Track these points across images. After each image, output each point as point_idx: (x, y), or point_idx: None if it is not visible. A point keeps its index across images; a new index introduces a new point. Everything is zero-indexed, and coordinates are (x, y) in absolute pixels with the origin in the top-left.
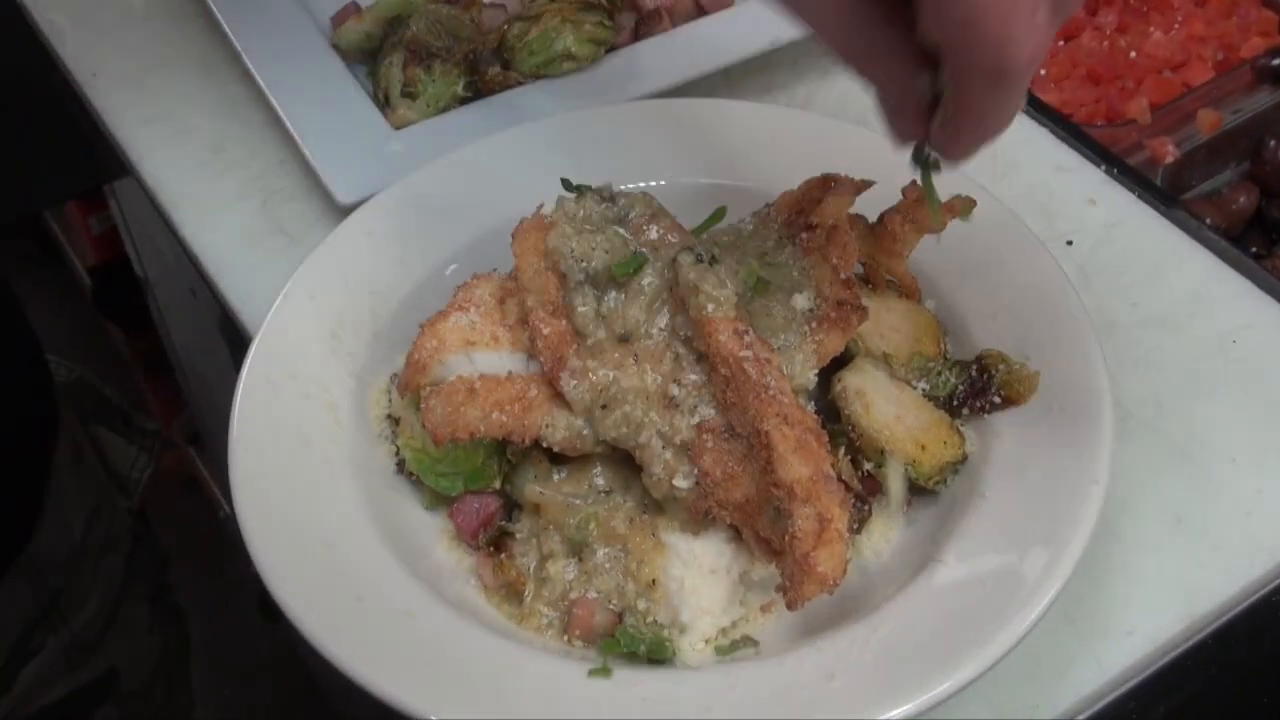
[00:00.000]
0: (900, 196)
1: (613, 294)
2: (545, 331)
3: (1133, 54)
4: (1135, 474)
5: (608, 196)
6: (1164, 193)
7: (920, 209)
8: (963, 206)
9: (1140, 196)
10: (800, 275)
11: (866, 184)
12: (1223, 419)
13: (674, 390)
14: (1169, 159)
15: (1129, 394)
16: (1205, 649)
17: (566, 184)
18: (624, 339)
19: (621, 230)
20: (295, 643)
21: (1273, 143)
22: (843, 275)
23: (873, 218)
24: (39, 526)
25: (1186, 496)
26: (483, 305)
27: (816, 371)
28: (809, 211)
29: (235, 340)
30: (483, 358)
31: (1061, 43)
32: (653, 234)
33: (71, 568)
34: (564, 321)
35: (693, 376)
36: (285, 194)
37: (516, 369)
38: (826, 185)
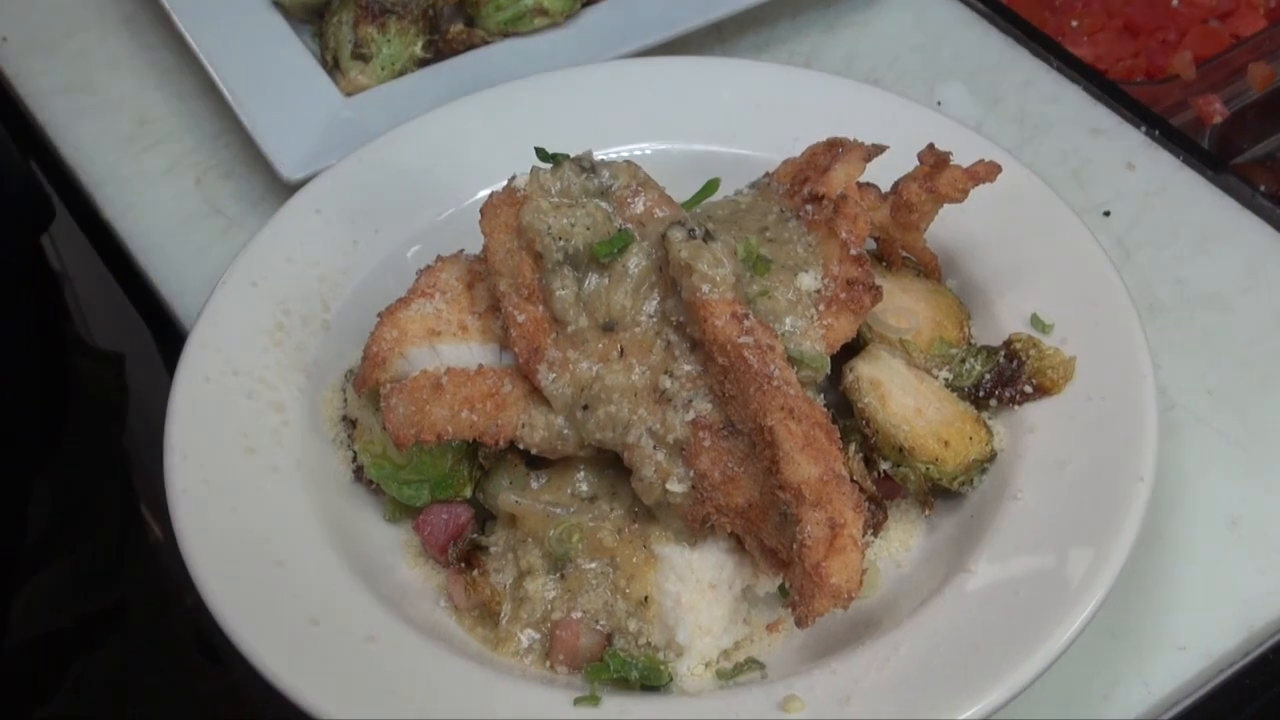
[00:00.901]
0: (916, 163)
1: (594, 277)
2: (520, 319)
3: (1175, 1)
4: (1184, 470)
5: (588, 166)
6: (1211, 156)
7: (940, 175)
8: (987, 171)
9: (1185, 161)
10: (805, 252)
11: (878, 149)
12: None
13: (665, 383)
14: (1216, 119)
15: (1176, 380)
16: (1266, 665)
17: (541, 153)
18: (608, 328)
19: (604, 204)
20: (241, 684)
21: None
22: (853, 251)
23: (886, 187)
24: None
25: (1242, 495)
26: (448, 291)
27: (828, 360)
28: (814, 181)
29: (169, 336)
30: (449, 350)
31: None
32: (639, 207)
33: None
34: (540, 307)
35: (686, 367)
36: (222, 170)
37: (488, 362)
38: (833, 151)
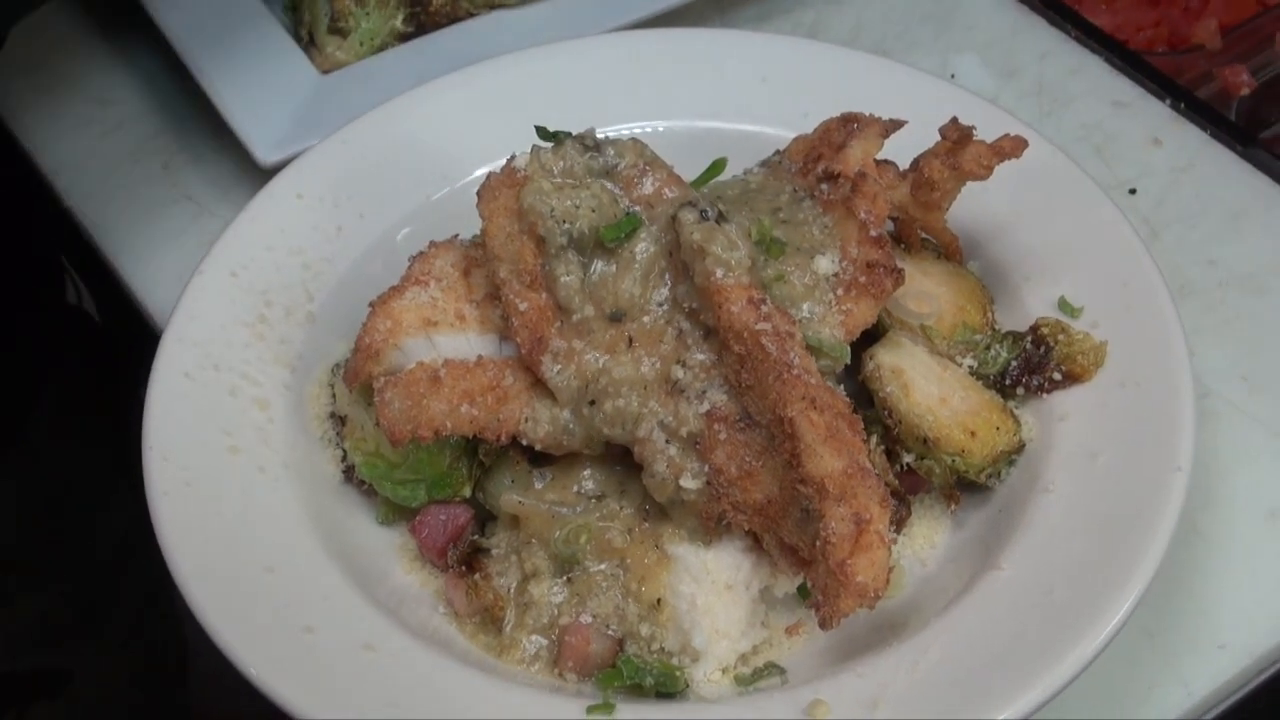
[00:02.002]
0: (934, 139)
1: (600, 263)
2: (522, 307)
3: None
4: (1221, 462)
5: (591, 145)
6: (1240, 130)
7: (963, 151)
8: (1013, 146)
9: (1213, 135)
10: (822, 234)
11: (896, 124)
12: None
13: (678, 373)
14: (1244, 91)
15: (1209, 367)
16: None
17: (542, 131)
18: (615, 318)
19: (609, 184)
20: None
21: None
22: (873, 232)
23: (903, 165)
24: None
25: None
26: (444, 278)
27: (848, 348)
28: (829, 158)
29: (141, 333)
30: (446, 341)
31: None
32: (647, 188)
33: None
34: (543, 294)
35: (699, 356)
36: (191, 154)
37: (487, 353)
38: (849, 127)
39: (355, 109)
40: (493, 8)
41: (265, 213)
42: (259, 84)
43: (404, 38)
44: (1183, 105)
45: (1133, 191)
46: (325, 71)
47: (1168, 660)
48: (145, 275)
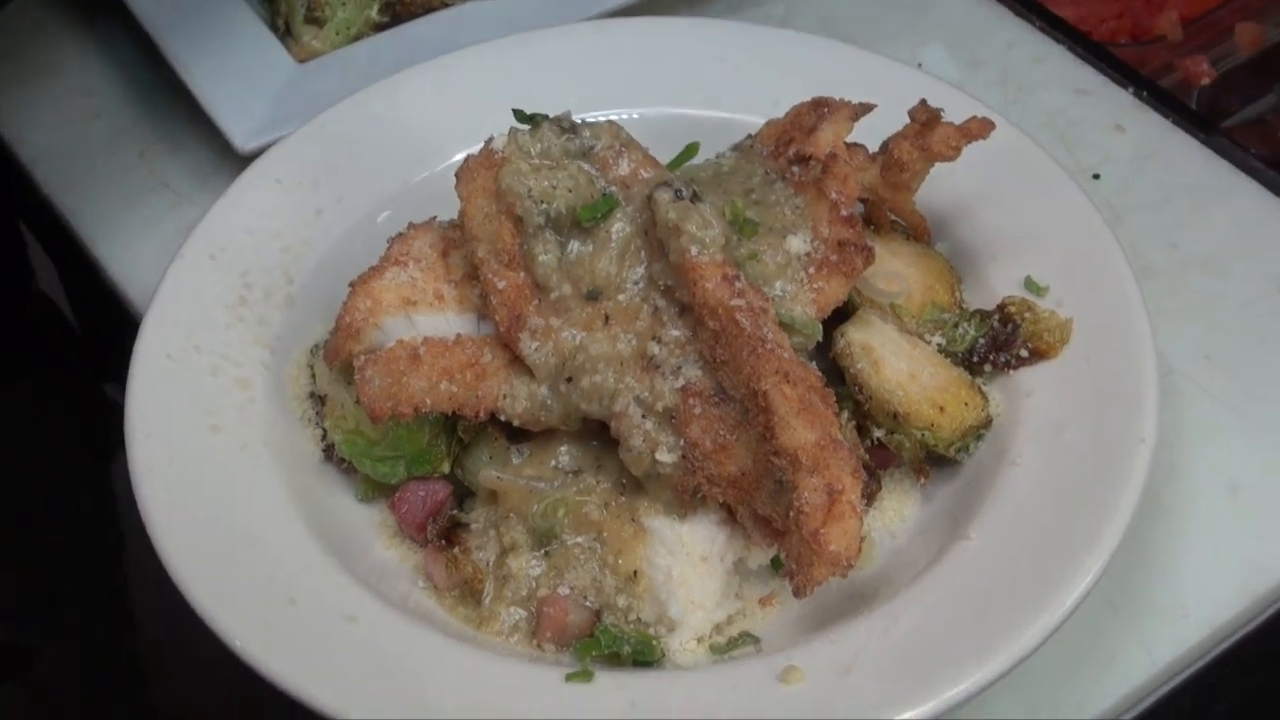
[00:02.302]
0: (901, 125)
1: (577, 243)
2: (500, 285)
3: None
4: (1183, 437)
5: (568, 127)
6: (1201, 118)
7: (932, 132)
8: (979, 128)
9: (1175, 123)
10: (793, 214)
11: (866, 107)
12: None
13: (653, 349)
14: (1204, 80)
15: (1172, 347)
16: (1270, 634)
17: (519, 114)
18: (592, 296)
19: (586, 165)
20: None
21: None
22: (843, 212)
23: (870, 150)
24: None
25: (1242, 461)
26: (423, 259)
27: (820, 325)
28: (800, 141)
29: (121, 321)
30: (425, 320)
31: None
32: (623, 169)
33: None
34: (521, 273)
35: (675, 332)
36: (169, 143)
37: (466, 332)
38: (819, 111)
39: (332, 97)
40: None
41: (244, 197)
42: (236, 73)
43: (379, 27)
44: (1145, 94)
45: (1096, 177)
46: (302, 61)
47: (1132, 628)
48: (125, 262)
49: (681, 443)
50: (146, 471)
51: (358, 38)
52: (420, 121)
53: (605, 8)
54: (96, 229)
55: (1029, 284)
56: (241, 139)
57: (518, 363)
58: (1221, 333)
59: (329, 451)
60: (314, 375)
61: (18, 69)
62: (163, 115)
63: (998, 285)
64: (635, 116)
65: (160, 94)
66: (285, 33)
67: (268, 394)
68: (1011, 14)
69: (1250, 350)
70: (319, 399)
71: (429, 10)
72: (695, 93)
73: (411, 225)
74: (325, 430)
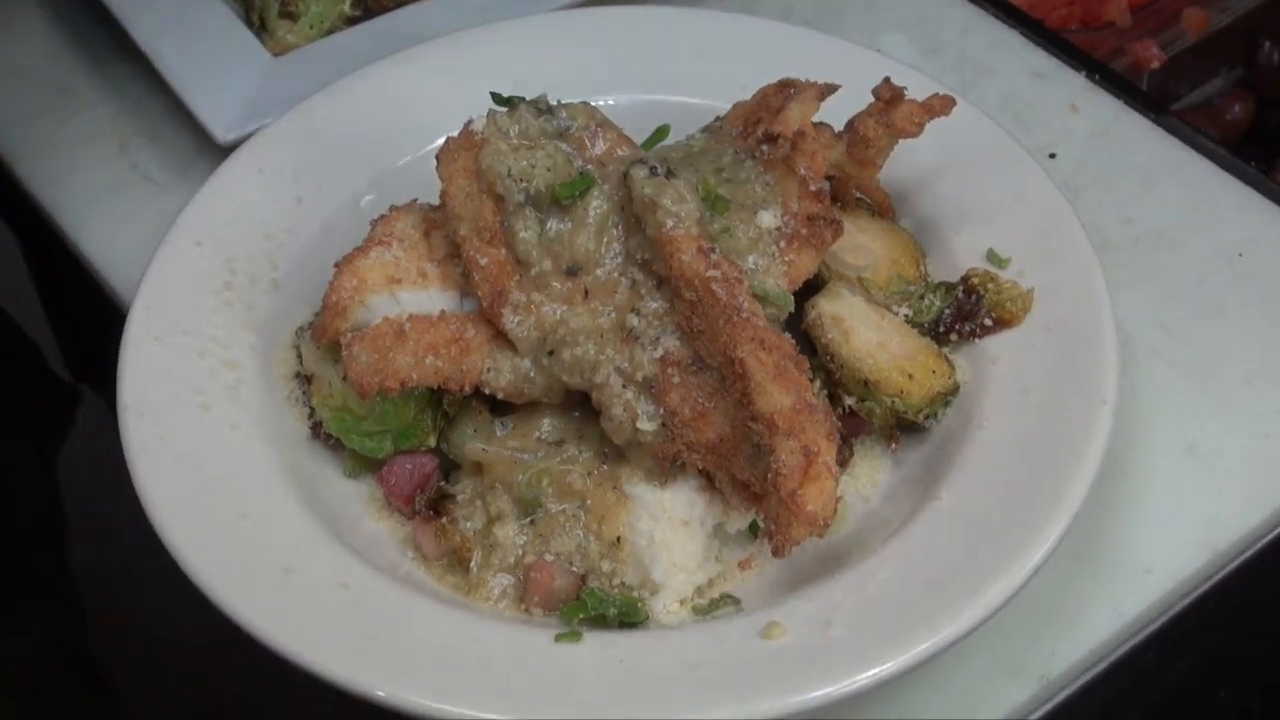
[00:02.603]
0: (863, 106)
1: (555, 221)
2: (482, 262)
3: None
4: (1142, 402)
5: (544, 108)
6: (1152, 99)
7: (896, 110)
8: (941, 104)
9: (1127, 103)
10: (764, 190)
11: (831, 88)
12: (1233, 338)
13: (632, 321)
14: (1154, 64)
15: (1129, 316)
16: (1229, 589)
17: (497, 97)
18: (572, 271)
19: (563, 145)
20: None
21: (1268, 44)
22: (812, 187)
23: (838, 129)
24: None
25: (1199, 423)
26: (406, 239)
27: (792, 297)
28: (768, 121)
29: (107, 312)
30: (410, 297)
31: None
32: (599, 148)
33: None
34: (503, 250)
35: (653, 304)
36: (147, 136)
37: (449, 309)
38: (786, 91)
39: (309, 88)
40: None
41: (227, 186)
42: (213, 66)
43: (352, 21)
44: (1097, 77)
45: (1053, 156)
46: (277, 55)
47: (1098, 584)
48: (108, 254)
49: (661, 411)
50: (140, 450)
51: (331, 31)
52: (398, 109)
53: None
54: (79, 221)
55: (991, 256)
56: (221, 130)
57: (501, 337)
58: (1175, 301)
59: (316, 429)
60: (300, 356)
61: None
62: (139, 109)
63: (961, 258)
64: (610, 103)
65: (139, 90)
66: (260, 28)
67: (255, 375)
68: (966, 1)
69: (1203, 317)
70: (305, 379)
71: (401, 4)
72: (665, 78)
73: (393, 207)
74: (313, 409)
